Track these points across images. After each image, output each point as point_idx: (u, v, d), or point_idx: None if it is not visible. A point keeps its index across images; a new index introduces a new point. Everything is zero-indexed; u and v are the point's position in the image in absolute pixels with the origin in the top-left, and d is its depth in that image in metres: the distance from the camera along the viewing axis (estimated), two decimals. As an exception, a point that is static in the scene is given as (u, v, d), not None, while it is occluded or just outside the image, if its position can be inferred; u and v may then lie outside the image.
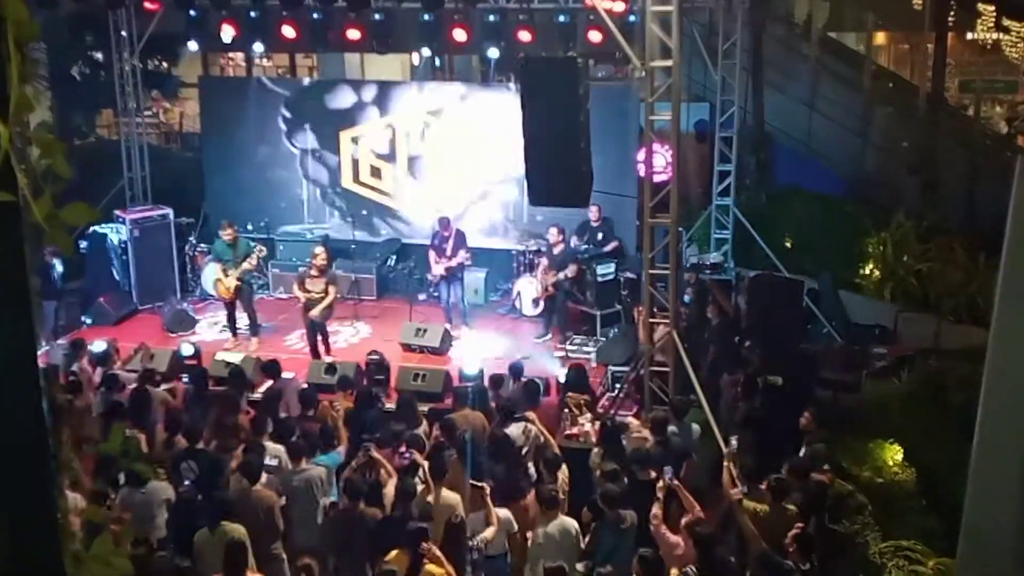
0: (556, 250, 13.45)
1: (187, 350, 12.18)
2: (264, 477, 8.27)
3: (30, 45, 1.76)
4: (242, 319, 13.47)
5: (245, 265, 12.98)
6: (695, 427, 9.47)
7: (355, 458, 8.56)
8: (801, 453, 8.68)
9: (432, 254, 13.68)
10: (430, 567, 7.04)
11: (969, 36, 20.29)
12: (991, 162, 16.03)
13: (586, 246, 13.86)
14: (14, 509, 1.84)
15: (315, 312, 12.40)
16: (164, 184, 16.26)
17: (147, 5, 14.50)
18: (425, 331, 13.05)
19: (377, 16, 13.68)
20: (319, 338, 12.59)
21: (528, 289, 14.13)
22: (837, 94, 17.36)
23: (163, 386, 10.71)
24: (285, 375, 10.96)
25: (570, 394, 10.10)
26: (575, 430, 9.67)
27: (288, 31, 14.02)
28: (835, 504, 8.46)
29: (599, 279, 13.41)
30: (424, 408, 10.16)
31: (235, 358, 11.84)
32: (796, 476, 8.03)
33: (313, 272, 12.46)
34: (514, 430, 9.11)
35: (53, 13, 13.77)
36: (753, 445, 9.21)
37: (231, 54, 22.42)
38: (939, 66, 17.39)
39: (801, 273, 13.14)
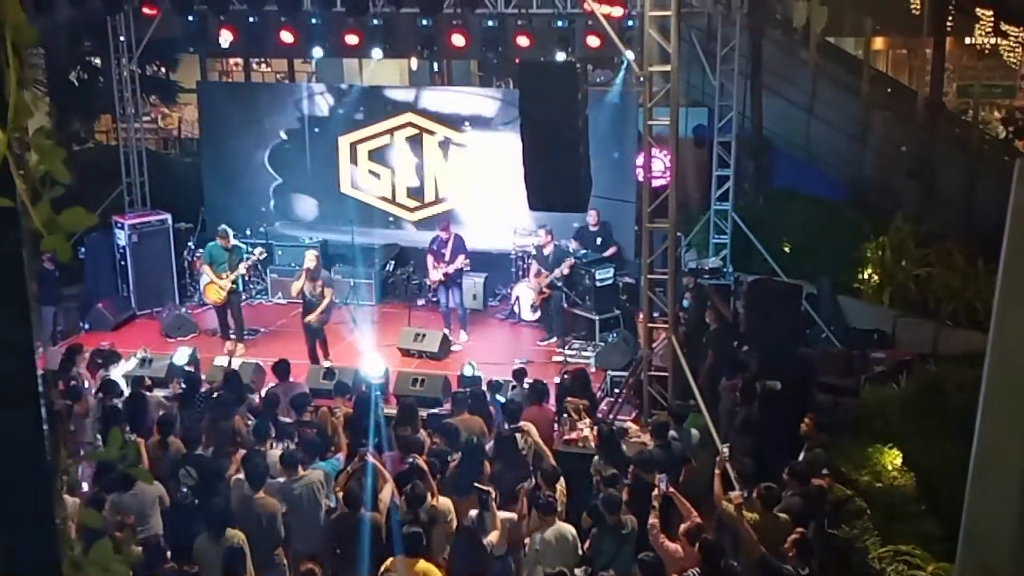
0: (546, 251, 13.45)
1: (181, 358, 12.05)
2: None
3: (29, 50, 1.76)
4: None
5: (240, 270, 12.98)
6: (694, 432, 9.47)
7: (351, 463, 8.54)
8: (800, 458, 8.68)
9: (431, 259, 13.68)
10: (431, 567, 7.05)
11: (967, 41, 20.25)
12: (989, 167, 16.03)
13: (584, 251, 13.86)
14: (12, 515, 1.83)
15: (311, 317, 12.40)
16: (163, 189, 16.24)
17: (146, 10, 14.49)
18: (424, 336, 13.06)
19: (376, 21, 13.69)
20: (317, 343, 12.57)
21: (527, 294, 14.13)
22: (836, 99, 17.36)
23: (159, 391, 10.70)
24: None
25: (569, 399, 10.10)
26: (574, 435, 9.66)
27: (286, 36, 14.03)
28: (834, 509, 8.47)
29: (598, 284, 13.40)
30: (423, 413, 10.15)
31: (234, 363, 11.82)
32: (795, 481, 8.02)
33: (304, 276, 12.44)
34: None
35: (52, 18, 13.75)
36: (752, 450, 9.21)
37: (230, 59, 22.43)
38: (937, 71, 17.41)
39: (800, 278, 13.14)
